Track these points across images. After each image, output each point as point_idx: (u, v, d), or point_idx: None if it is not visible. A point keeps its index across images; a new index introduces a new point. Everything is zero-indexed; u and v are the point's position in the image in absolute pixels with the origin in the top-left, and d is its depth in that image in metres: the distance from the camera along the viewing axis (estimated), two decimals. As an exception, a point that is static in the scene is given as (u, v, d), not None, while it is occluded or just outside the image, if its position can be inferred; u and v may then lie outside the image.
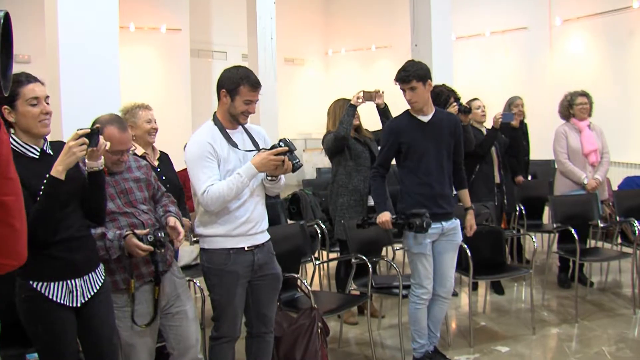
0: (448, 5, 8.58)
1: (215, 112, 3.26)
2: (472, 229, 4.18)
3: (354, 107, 4.77)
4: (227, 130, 3.20)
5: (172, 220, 3.02)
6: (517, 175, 6.37)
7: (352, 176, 4.87)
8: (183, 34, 11.45)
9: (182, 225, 3.12)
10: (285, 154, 3.07)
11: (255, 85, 3.15)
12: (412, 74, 3.84)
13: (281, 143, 3.09)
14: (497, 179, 5.86)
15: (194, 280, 4.00)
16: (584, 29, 10.83)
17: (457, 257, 4.15)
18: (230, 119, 3.20)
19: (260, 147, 3.22)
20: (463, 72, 11.31)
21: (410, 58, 4.52)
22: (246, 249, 3.21)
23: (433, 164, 3.93)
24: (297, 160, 3.12)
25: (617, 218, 5.70)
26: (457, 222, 4.07)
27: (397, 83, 3.93)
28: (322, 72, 14.47)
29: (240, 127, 3.26)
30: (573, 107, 5.81)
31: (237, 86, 3.11)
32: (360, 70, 13.57)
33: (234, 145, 3.17)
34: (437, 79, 5.98)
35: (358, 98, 4.82)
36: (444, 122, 4.00)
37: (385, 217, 3.95)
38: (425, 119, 3.96)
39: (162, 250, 2.94)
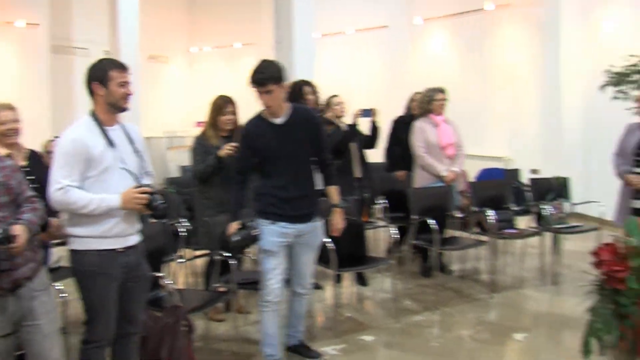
0: (311, 3, 8.65)
1: (92, 110, 3.13)
2: (338, 228, 4.11)
3: (217, 159, 4.62)
4: (105, 127, 3.08)
5: (16, 229, 2.76)
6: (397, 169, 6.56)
7: (214, 181, 4.77)
8: (42, 29, 10.83)
9: (46, 228, 3.01)
10: (150, 194, 3.03)
11: (121, 66, 3.12)
12: (268, 77, 3.68)
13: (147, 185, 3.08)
14: (358, 173, 5.96)
15: (54, 285, 3.76)
16: (443, 28, 11.25)
17: (320, 251, 4.14)
18: (111, 110, 3.10)
19: (135, 146, 3.18)
20: (328, 69, 11.47)
21: (273, 55, 4.47)
22: (120, 250, 3.11)
23: (288, 167, 3.82)
24: (161, 202, 3.08)
25: (474, 208, 5.94)
26: (318, 224, 3.99)
27: (253, 86, 3.76)
28: (187, 69, 14.18)
29: (117, 124, 3.16)
30: (432, 103, 6.00)
31: (106, 73, 3.06)
32: (225, 67, 13.41)
33: (111, 143, 3.07)
34: (299, 76, 6.04)
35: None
36: (300, 120, 3.86)
37: (231, 228, 3.85)
38: (279, 121, 3.81)
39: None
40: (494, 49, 10.35)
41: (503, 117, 10.05)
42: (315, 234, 3.98)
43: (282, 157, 3.80)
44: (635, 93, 6.52)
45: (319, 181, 4.08)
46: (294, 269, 3.99)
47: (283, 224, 3.80)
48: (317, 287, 5.37)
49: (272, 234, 3.80)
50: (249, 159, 3.92)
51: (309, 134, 3.88)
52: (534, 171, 8.45)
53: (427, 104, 6.08)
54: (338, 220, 4.10)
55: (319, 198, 4.06)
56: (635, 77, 6.87)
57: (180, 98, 13.28)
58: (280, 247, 3.83)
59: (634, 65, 6.86)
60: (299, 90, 5.37)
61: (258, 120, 3.87)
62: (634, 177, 4.99)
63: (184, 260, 5.12)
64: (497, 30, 10.28)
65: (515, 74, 9.90)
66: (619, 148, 5.20)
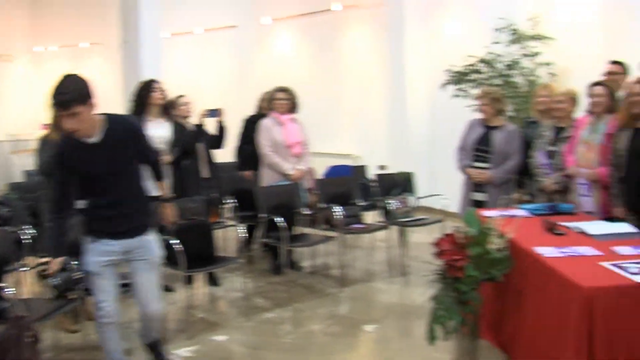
0: (157, 2, 8.42)
1: None
2: (168, 220, 4.00)
3: None
4: None
5: None
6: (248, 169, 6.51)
7: None
8: None
9: None
10: None
11: None
12: (73, 98, 3.16)
13: None
14: (205, 173, 5.89)
15: None
16: (292, 28, 11.32)
17: (167, 255, 4.00)
18: None
19: None
20: (178, 69, 11.25)
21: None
22: None
23: (110, 185, 3.48)
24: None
25: (322, 205, 6.01)
26: (149, 237, 3.69)
27: (55, 108, 3.28)
28: (32, 69, 13.40)
29: None
30: (273, 102, 6.03)
31: None
32: (71, 67, 12.80)
33: None
34: (146, 76, 5.83)
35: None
36: (118, 134, 3.47)
37: (50, 269, 3.46)
38: (94, 140, 3.37)
39: None
40: (342, 49, 10.55)
41: (352, 115, 10.29)
42: (147, 248, 3.67)
43: (103, 176, 3.46)
44: (474, 91, 6.91)
45: (152, 187, 3.90)
46: (135, 289, 3.71)
47: (106, 240, 3.51)
48: (168, 289, 5.22)
49: (95, 253, 3.51)
50: (65, 182, 3.49)
51: (131, 145, 3.56)
52: (382, 167, 8.69)
53: (268, 102, 6.11)
54: (167, 213, 3.98)
55: (150, 210, 3.79)
56: (474, 76, 7.27)
57: (25, 99, 12.49)
58: (105, 266, 3.54)
59: (472, 65, 7.26)
60: (147, 89, 5.24)
61: (71, 140, 3.41)
62: (473, 170, 5.29)
63: (28, 268, 4.80)
64: (345, 30, 10.49)
65: (363, 74, 10.15)
66: (461, 143, 5.48)
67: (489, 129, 5.35)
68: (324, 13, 10.59)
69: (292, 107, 6.13)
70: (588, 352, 2.65)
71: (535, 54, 7.04)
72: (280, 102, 6.01)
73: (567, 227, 3.83)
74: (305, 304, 5.23)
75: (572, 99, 5.06)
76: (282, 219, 5.41)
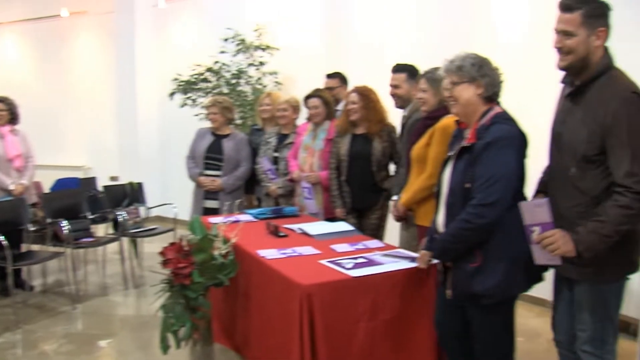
0: None
1: None
2: None
3: None
4: None
5: None
6: None
7: None
8: None
9: None
10: None
11: None
12: None
13: None
14: None
15: None
16: (17, 33, 10.66)
17: None
18: None
19: None
20: None
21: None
22: None
23: None
24: None
25: (48, 220, 5.72)
26: None
27: None
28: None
29: None
30: None
31: None
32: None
33: None
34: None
35: None
36: None
37: None
38: None
39: None
40: (70, 56, 10.12)
41: (82, 125, 9.91)
42: None
43: None
44: (203, 100, 7.05)
45: None
46: None
47: None
48: None
49: None
50: None
51: None
52: (113, 178, 8.52)
53: None
54: None
55: None
56: (202, 85, 7.40)
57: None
58: None
59: (201, 74, 7.38)
60: None
61: None
62: (205, 178, 5.41)
63: None
64: (73, 37, 10.08)
65: (92, 82, 9.85)
66: (191, 152, 5.57)
67: (219, 137, 5.51)
68: (52, 19, 10.06)
69: (12, 118, 5.80)
70: (311, 345, 2.83)
71: (261, 63, 7.37)
72: None
73: (290, 229, 4.03)
74: (37, 325, 4.95)
75: (294, 106, 5.36)
76: (3, 237, 5.05)
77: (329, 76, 5.90)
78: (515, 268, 2.64)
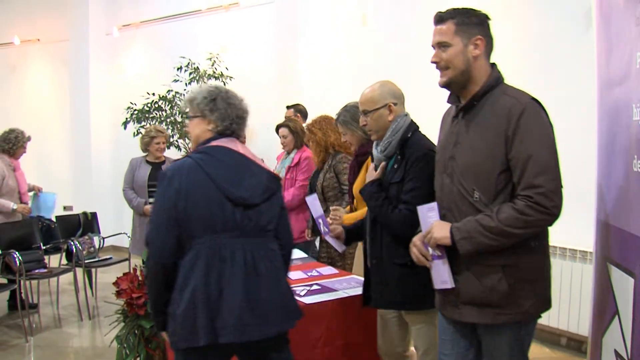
0: None
1: None
2: None
3: None
4: None
5: None
6: None
7: None
8: None
9: None
10: None
11: None
12: None
13: None
14: None
15: None
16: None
17: None
18: None
19: None
20: None
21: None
22: None
23: None
24: None
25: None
26: None
27: None
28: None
29: None
30: None
31: None
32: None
33: None
34: None
35: None
36: None
37: None
38: None
39: None
40: (24, 84, 10.03)
41: (35, 154, 9.66)
42: None
43: None
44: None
45: None
46: None
47: None
48: None
49: None
50: None
51: None
52: (66, 208, 8.43)
53: None
54: None
55: None
56: (155, 113, 7.41)
57: None
58: None
59: (154, 102, 7.39)
60: None
61: None
62: (150, 207, 5.43)
63: None
64: (27, 65, 9.99)
65: (46, 111, 9.77)
66: (128, 182, 5.67)
67: (156, 165, 5.74)
68: (3, 46, 9.95)
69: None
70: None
71: (215, 92, 7.41)
72: None
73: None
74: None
75: None
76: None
77: (288, 107, 6.08)
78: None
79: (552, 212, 2.16)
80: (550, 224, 2.25)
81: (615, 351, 2.36)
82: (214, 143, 2.53)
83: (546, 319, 4.85)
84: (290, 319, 2.56)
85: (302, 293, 3.20)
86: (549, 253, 2.40)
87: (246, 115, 2.63)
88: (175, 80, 7.37)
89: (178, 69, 7.38)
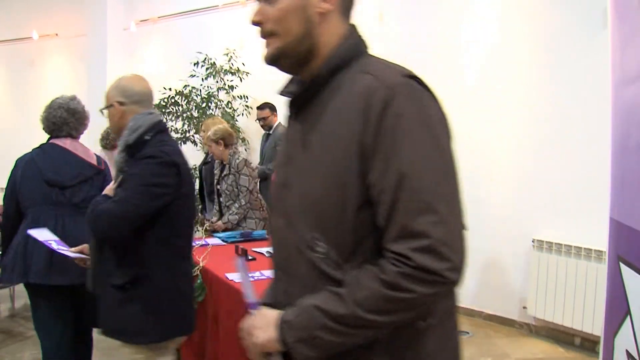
0: None
1: None
2: None
3: None
4: None
5: None
6: None
7: None
8: None
9: None
10: None
11: None
12: None
13: None
14: None
15: None
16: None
17: None
18: None
19: None
20: None
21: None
22: None
23: None
24: None
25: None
26: None
27: None
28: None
29: None
30: None
31: None
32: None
33: None
34: None
35: None
36: None
37: None
38: None
39: None
40: (42, 79, 10.17)
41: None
42: None
43: None
44: (176, 124, 7.09)
45: None
46: None
47: None
48: None
49: None
50: None
51: None
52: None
53: None
54: None
55: None
56: (172, 108, 7.44)
57: None
58: None
59: (171, 97, 7.43)
60: None
61: None
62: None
63: None
64: (45, 60, 10.09)
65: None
66: None
67: None
68: (22, 41, 10.05)
69: None
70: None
71: (231, 87, 7.44)
72: None
73: (258, 252, 4.05)
74: (4, 350, 4.89)
75: (218, 140, 5.12)
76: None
77: (259, 108, 6.49)
78: None
79: (447, 277, 1.24)
80: (443, 297, 1.35)
81: (627, 351, 2.34)
82: (51, 141, 3.44)
83: (560, 318, 4.83)
84: (83, 276, 2.92)
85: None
86: (455, 334, 1.48)
87: (71, 119, 3.47)
88: (192, 76, 7.41)
89: (195, 64, 7.42)
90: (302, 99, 1.47)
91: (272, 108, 6.56)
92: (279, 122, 6.49)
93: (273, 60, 1.48)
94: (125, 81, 2.76)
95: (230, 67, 7.45)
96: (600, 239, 4.07)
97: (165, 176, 2.52)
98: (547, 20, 5.04)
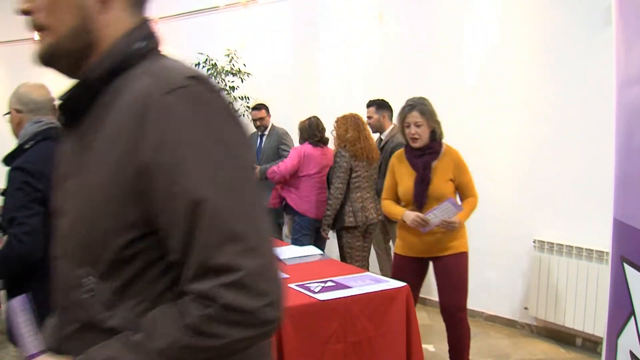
0: None
1: None
2: None
3: None
4: None
5: None
6: None
7: None
8: None
9: None
10: None
11: None
12: None
13: None
14: None
15: None
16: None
17: None
18: None
19: None
20: None
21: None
22: None
23: None
24: None
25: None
26: None
27: None
28: None
29: None
30: None
31: None
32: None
33: None
34: None
35: None
36: None
37: None
38: None
39: None
40: (44, 80, 10.02)
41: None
42: None
43: None
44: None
45: None
46: None
47: None
48: None
49: None
50: None
51: None
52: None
53: None
54: None
55: None
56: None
57: None
58: None
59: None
60: None
61: None
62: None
63: None
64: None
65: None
66: None
67: None
68: (25, 42, 10.02)
69: None
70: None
71: (232, 88, 7.44)
72: None
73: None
74: (5, 351, 4.88)
75: None
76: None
77: (255, 108, 6.50)
78: None
79: (264, 316, 1.06)
80: (263, 339, 1.13)
81: (631, 352, 2.34)
82: None
83: (561, 319, 4.83)
84: None
85: (317, 290, 3.20)
86: None
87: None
88: (193, 76, 7.39)
89: (196, 65, 7.40)
90: (71, 103, 1.22)
91: (268, 109, 6.60)
92: (272, 124, 6.55)
93: (45, 59, 1.26)
94: (24, 89, 2.75)
95: (232, 68, 7.45)
96: (601, 240, 4.08)
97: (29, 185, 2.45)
98: (547, 20, 5.04)
